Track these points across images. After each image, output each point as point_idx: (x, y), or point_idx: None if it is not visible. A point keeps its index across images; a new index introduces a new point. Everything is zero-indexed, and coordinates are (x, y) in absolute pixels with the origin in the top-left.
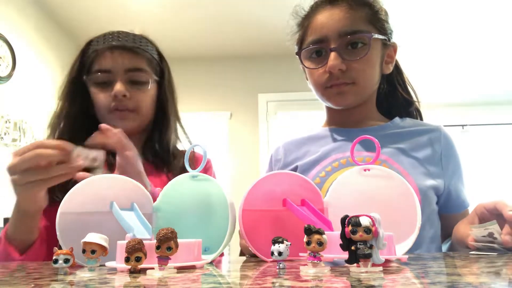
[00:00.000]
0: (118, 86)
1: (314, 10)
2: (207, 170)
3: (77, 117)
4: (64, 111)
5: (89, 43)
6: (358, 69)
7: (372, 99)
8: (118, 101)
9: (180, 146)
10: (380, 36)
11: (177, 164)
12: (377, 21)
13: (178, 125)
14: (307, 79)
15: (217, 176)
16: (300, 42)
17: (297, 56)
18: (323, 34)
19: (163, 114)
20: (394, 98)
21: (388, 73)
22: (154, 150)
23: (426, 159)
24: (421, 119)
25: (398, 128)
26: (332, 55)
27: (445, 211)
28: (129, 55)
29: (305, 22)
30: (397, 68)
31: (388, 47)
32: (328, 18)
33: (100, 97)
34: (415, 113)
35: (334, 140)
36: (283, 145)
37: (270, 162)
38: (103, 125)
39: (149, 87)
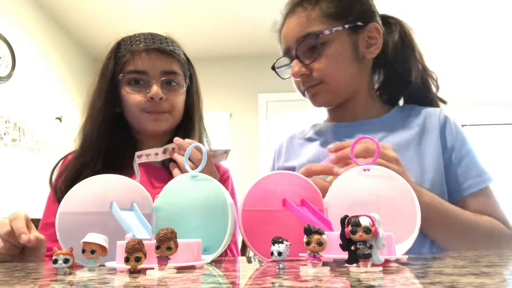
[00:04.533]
0: (155, 89)
1: (282, 22)
2: (224, 182)
3: (107, 115)
4: (94, 109)
5: (120, 43)
6: (320, 69)
7: (362, 91)
8: (154, 103)
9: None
10: (340, 28)
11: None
12: (338, 11)
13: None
14: None
15: (236, 188)
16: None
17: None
18: (286, 45)
19: (188, 118)
20: (390, 77)
21: (372, 57)
22: None
23: (425, 156)
24: (437, 88)
25: (394, 121)
26: (294, 63)
27: (450, 200)
28: (165, 57)
29: (279, 36)
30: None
31: (361, 31)
32: (287, 28)
33: (135, 97)
34: (430, 83)
35: (331, 139)
36: (287, 142)
37: (273, 159)
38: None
39: (183, 91)
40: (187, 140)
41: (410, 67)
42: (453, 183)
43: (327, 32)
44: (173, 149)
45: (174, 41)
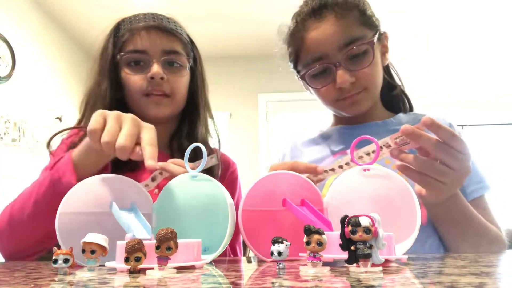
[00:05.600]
0: (156, 68)
1: (301, 27)
2: (233, 180)
3: (110, 98)
4: (97, 91)
5: (120, 23)
6: (367, 75)
7: (379, 96)
8: (155, 84)
9: (211, 143)
10: (376, 36)
11: None
12: (367, 19)
13: (209, 118)
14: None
15: (242, 186)
16: (295, 61)
17: (301, 80)
18: (321, 51)
19: (194, 105)
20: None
21: (386, 63)
22: (181, 144)
23: None
24: (409, 102)
25: (400, 124)
26: (339, 72)
27: None
28: (166, 36)
29: (294, 40)
30: None
31: (382, 38)
32: (321, 34)
33: (135, 79)
34: (402, 97)
35: (336, 140)
36: (292, 143)
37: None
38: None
39: (186, 72)
40: (170, 160)
41: (391, 72)
42: None
43: (374, 39)
44: (160, 173)
45: (176, 21)
